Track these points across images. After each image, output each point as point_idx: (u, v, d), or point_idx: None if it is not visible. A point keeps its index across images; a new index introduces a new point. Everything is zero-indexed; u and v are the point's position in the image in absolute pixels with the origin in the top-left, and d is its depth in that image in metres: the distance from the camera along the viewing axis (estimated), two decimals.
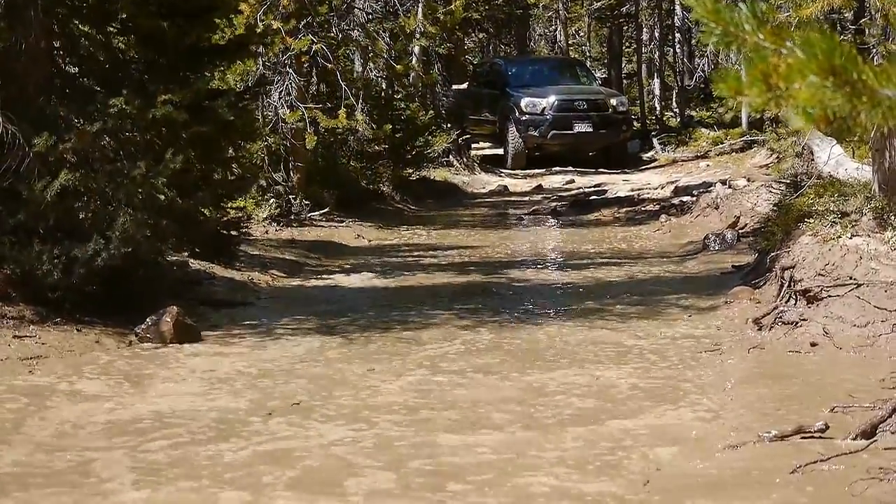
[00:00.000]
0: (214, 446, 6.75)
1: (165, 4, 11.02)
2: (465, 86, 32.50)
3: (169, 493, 5.92)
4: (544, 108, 29.16)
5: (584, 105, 29.21)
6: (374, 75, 23.83)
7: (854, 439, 6.26)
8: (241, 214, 14.61)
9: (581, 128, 28.86)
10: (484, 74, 32.65)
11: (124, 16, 11.05)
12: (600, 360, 8.98)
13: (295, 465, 6.40)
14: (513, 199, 24.57)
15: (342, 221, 18.84)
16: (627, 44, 40.93)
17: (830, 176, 12.98)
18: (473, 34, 39.36)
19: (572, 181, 26.46)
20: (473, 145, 30.51)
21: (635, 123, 32.16)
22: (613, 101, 29.72)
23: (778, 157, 21.72)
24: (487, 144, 31.30)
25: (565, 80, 31.33)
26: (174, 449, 6.71)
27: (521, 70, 31.91)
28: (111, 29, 11.31)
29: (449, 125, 28.18)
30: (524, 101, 29.32)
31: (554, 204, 22.61)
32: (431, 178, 25.42)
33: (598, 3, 37.62)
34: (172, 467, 6.35)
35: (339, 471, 6.29)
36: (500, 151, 30.12)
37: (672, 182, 24.18)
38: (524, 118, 29.21)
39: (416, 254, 16.29)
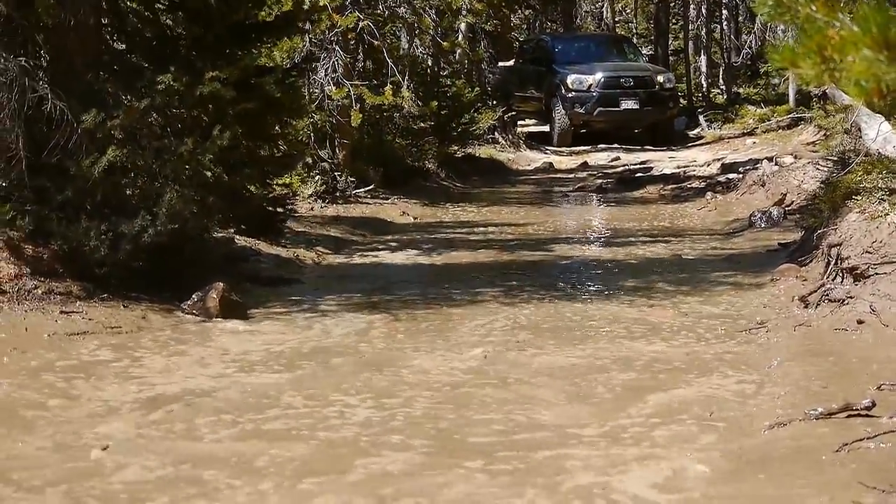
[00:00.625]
0: (251, 420, 6.79)
1: None
2: (511, 63, 32.31)
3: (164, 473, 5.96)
4: (591, 84, 28.76)
5: (631, 82, 28.87)
6: (421, 52, 23.82)
7: None
8: (286, 191, 14.64)
9: (628, 105, 28.58)
10: (530, 51, 32.16)
11: None
12: (645, 337, 8.98)
13: (308, 443, 6.43)
14: (558, 176, 24.54)
15: (387, 198, 18.85)
16: (674, 20, 40.71)
17: (878, 153, 12.89)
18: (520, 10, 39.21)
19: (618, 158, 26.37)
20: (519, 122, 30.41)
21: (682, 100, 31.88)
22: (660, 78, 29.35)
23: (825, 134, 21.58)
24: (533, 121, 31.17)
25: (612, 56, 30.95)
26: (201, 423, 6.75)
27: (568, 46, 31.53)
28: (159, 5, 11.34)
29: (494, 102, 28.11)
30: (571, 78, 28.93)
31: (599, 181, 22.57)
32: (477, 155, 25.40)
33: None
34: (196, 442, 6.39)
35: (353, 450, 6.29)
36: (547, 128, 29.91)
37: (718, 159, 24.10)
38: (570, 95, 28.84)
39: (461, 231, 16.29)
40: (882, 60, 3.08)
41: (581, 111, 28.84)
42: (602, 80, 28.78)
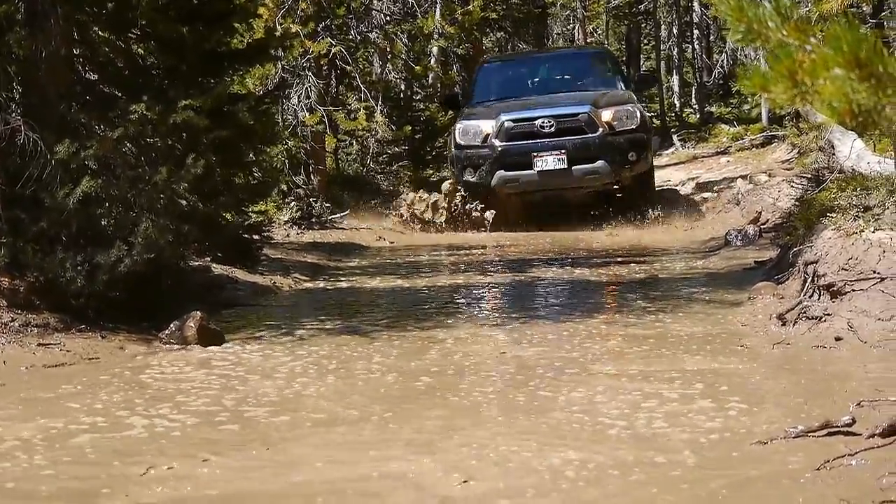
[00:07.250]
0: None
1: (185, 10, 11.05)
2: None
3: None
4: (487, 135, 18.84)
5: (551, 125, 18.61)
6: (393, 77, 23.88)
7: (882, 434, 6.23)
8: (262, 218, 14.68)
9: (546, 164, 18.59)
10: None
11: (143, 22, 11.08)
12: (623, 355, 8.96)
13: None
14: None
15: (363, 223, 18.86)
16: (646, 41, 40.93)
17: (852, 170, 12.98)
18: (491, 34, 39.31)
19: None
20: None
21: (655, 121, 30.14)
22: (606, 115, 18.88)
23: (799, 152, 21.71)
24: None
25: (568, 85, 20.85)
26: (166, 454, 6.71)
27: (499, 73, 21.77)
28: (131, 35, 11.34)
29: None
30: (460, 128, 19.25)
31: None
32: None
33: (616, 1, 37.61)
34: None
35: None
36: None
37: (692, 178, 24.19)
38: (461, 154, 19.12)
39: (437, 254, 16.30)
40: (853, 79, 3.10)
41: (472, 180, 19.02)
42: (505, 126, 18.77)
